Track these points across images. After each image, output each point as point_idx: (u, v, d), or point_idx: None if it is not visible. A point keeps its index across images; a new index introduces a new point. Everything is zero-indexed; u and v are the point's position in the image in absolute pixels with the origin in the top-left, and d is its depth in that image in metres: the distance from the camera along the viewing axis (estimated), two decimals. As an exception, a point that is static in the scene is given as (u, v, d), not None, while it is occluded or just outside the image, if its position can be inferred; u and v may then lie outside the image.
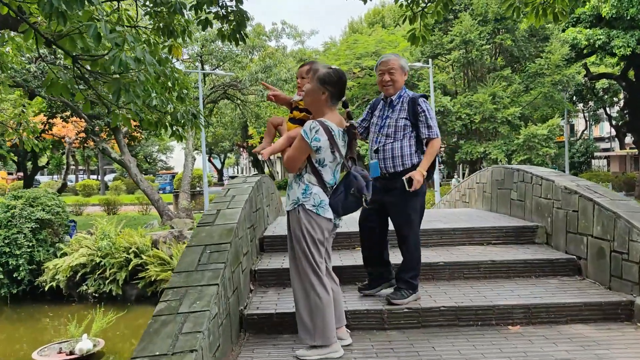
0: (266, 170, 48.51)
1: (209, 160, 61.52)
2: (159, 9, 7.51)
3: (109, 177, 52.63)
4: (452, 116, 17.68)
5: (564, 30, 19.46)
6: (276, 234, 5.32)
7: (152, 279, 12.18)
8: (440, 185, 18.58)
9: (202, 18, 7.32)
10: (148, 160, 57.81)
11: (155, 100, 7.24)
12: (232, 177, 53.35)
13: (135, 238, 12.94)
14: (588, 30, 19.85)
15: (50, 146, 29.71)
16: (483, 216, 6.12)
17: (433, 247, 5.12)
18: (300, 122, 3.42)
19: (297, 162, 3.18)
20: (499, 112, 17.12)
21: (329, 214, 3.18)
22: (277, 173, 48.14)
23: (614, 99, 34.98)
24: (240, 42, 7.47)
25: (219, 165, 62.24)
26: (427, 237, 5.15)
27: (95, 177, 55.28)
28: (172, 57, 9.51)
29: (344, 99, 3.30)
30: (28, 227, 12.96)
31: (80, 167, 57.53)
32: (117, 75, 4.13)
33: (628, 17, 19.25)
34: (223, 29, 7.49)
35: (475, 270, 4.43)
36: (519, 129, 17.64)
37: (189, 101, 8.37)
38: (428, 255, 4.73)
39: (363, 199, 3.20)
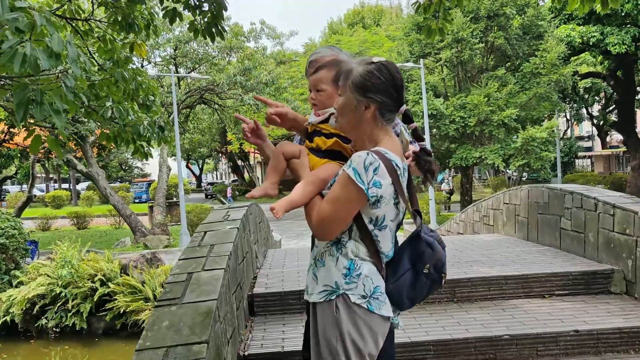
0: (246, 176, 47.02)
1: (187, 167, 59.74)
2: (116, -2, 6.13)
3: (82, 186, 50.36)
4: (446, 119, 16.57)
5: (557, 27, 18.55)
6: (270, 289, 4.00)
7: (122, 310, 10.74)
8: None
9: (168, 8, 5.99)
10: (123, 167, 55.64)
11: (111, 110, 5.89)
12: (211, 184, 51.82)
13: (102, 264, 11.46)
14: (581, 27, 18.97)
15: (19, 155, 27.91)
16: (527, 250, 4.90)
17: (480, 301, 3.88)
18: (330, 155, 2.10)
19: (340, 225, 1.89)
20: (495, 114, 16.07)
21: (388, 310, 1.89)
22: (258, 179, 46.66)
23: (596, 97, 34.48)
24: (217, 38, 6.15)
25: (197, 172, 60.44)
26: (471, 288, 3.91)
27: (67, 186, 52.99)
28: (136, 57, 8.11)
29: (403, 109, 2.00)
30: (-23, 254, 11.38)
31: (51, 176, 55.17)
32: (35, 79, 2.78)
33: (623, 13, 18.44)
34: (196, 22, 6.16)
35: (554, 345, 3.19)
36: (516, 132, 16.62)
37: (157, 109, 7.00)
38: (478, 318, 3.49)
39: (443, 280, 1.95)
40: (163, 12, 6.23)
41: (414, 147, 2.11)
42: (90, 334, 11.15)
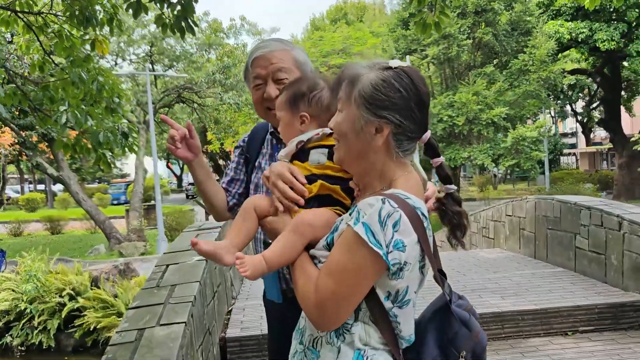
0: (228, 175, 46.03)
1: (168, 167, 58.65)
2: (72, -11, 5.43)
3: (59, 187, 48.89)
4: (433, 118, 16.06)
5: (545, 23, 18.16)
6: (246, 331, 3.38)
7: (92, 326, 10.01)
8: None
9: (132, 0, 5.31)
10: (101, 167, 54.30)
11: (66, 114, 5.20)
12: (192, 184, 50.73)
13: (71, 276, 10.71)
14: (570, 23, 18.62)
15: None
16: (539, 273, 4.35)
17: (493, 340, 3.31)
18: (318, 201, 1.48)
19: (348, 307, 1.30)
20: (484, 112, 15.58)
21: None
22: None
23: (580, 94, 34.44)
24: (188, 33, 5.50)
25: (178, 171, 59.33)
26: (483, 325, 3.33)
27: (43, 187, 51.50)
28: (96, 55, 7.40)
29: (428, 135, 1.40)
30: None
31: (27, 177, 53.65)
32: None
33: (611, 9, 18.13)
34: (163, 16, 5.50)
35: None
36: (505, 131, 16.16)
37: (124, 112, 6.32)
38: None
39: None
40: (126, 4, 5.53)
41: (433, 188, 1.54)
42: (59, 352, 10.41)
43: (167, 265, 3.10)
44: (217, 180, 2.10)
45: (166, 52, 19.18)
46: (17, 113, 14.40)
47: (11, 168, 45.43)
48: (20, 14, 5.62)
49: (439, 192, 1.50)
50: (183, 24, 5.44)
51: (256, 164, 2.05)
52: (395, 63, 1.36)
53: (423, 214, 1.30)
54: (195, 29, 5.49)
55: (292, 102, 1.59)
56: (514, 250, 5.49)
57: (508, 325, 3.38)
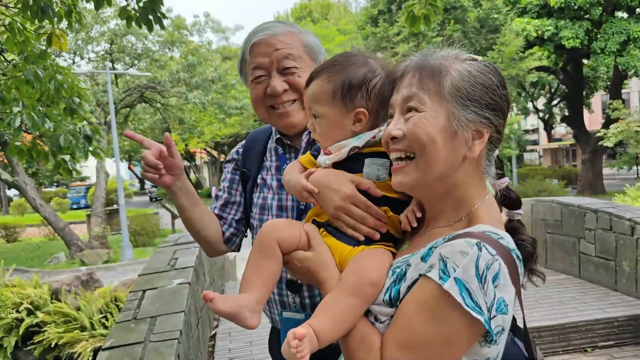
0: (193, 176, 45.12)
1: (130, 169, 57.03)
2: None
3: (14, 192, 46.82)
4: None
5: (512, 20, 18.29)
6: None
7: (53, 342, 9.35)
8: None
9: (93, -11, 4.81)
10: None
11: (21, 116, 4.66)
12: (155, 186, 49.37)
13: (29, 290, 9.95)
14: (536, 20, 18.80)
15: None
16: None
17: (509, 362, 3.01)
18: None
19: None
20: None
21: None
22: (205, 179, 44.94)
23: (542, 91, 35.12)
24: (156, 26, 5.05)
25: (140, 173, 57.80)
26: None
27: (-3, 192, 49.17)
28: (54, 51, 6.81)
29: (497, 153, 1.09)
30: None
31: (-21, 182, 51.16)
32: None
33: (576, 7, 18.38)
34: (129, 7, 5.03)
35: None
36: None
37: (85, 113, 5.80)
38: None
39: None
40: (86, -6, 5.03)
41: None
42: (17, 371, 9.70)
43: (144, 291, 2.68)
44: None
45: (127, 50, 18.40)
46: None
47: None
48: (-36, 5, 5.05)
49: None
50: (150, 16, 4.99)
51: (258, 180, 1.63)
52: (478, 57, 1.04)
53: (518, 257, 0.97)
54: (165, 21, 5.03)
55: (344, 92, 1.16)
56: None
57: (524, 343, 3.10)
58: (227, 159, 1.75)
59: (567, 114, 26.48)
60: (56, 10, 5.03)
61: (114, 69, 18.05)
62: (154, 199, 41.40)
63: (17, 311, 9.62)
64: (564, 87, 25.84)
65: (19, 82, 4.77)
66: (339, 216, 1.11)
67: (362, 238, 1.09)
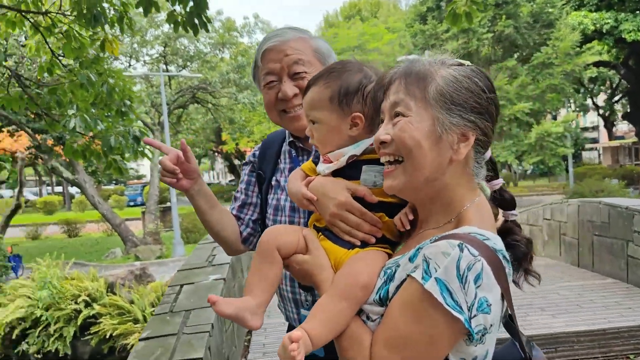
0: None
1: (183, 167, 58.66)
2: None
3: (76, 189, 49.21)
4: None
5: (568, 14, 17.61)
6: (269, 357, 3.06)
7: (108, 333, 9.81)
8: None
9: (141, -4, 5.02)
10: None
11: (75, 119, 4.93)
12: (208, 185, 50.62)
13: (86, 283, 10.53)
14: (594, 13, 18.02)
15: (10, 159, 27.04)
16: (589, 285, 3.97)
17: (546, 367, 2.95)
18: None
19: None
20: (506, 108, 15.09)
21: None
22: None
23: (602, 87, 33.60)
24: (201, 30, 5.22)
25: (193, 171, 59.32)
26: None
27: (61, 189, 51.88)
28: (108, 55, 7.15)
29: (489, 153, 1.11)
30: (-48, 274, 10.45)
31: (45, 179, 54.08)
32: None
33: (637, -1, 17.51)
34: (175, 12, 5.23)
35: None
36: (528, 127, 15.65)
37: (136, 116, 6.06)
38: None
39: None
40: (136, 1, 5.25)
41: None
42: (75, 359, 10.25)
43: (181, 286, 2.80)
44: (232, 180, 1.76)
45: (180, 52, 18.99)
46: (33, 116, 14.31)
47: (29, 171, 45.83)
48: (26, 14, 5.37)
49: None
50: (196, 20, 5.17)
51: (273, 182, 1.67)
52: (464, 62, 1.06)
53: (505, 257, 0.99)
54: (209, 26, 5.19)
55: (341, 98, 1.20)
56: (553, 256, 5.11)
57: (562, 348, 3.01)
58: (245, 161, 1.81)
59: (629, 110, 25.25)
60: (108, 17, 5.30)
61: (167, 70, 18.68)
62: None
63: (76, 302, 10.19)
64: (626, 82, 24.65)
65: (74, 86, 5.04)
66: (335, 223, 1.15)
67: (358, 243, 1.12)
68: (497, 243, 0.98)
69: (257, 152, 1.78)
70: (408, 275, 0.97)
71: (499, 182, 1.14)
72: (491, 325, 0.94)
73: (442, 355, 0.95)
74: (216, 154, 50.53)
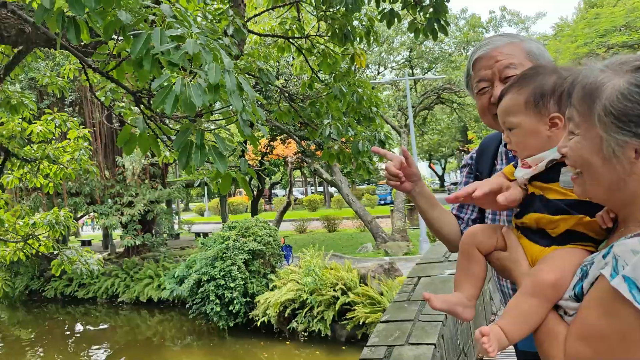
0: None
1: (430, 167, 59.65)
2: (334, 10, 5.86)
3: (335, 189, 54.44)
4: None
5: None
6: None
7: (361, 320, 10.72)
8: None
9: (385, 10, 5.44)
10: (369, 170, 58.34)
11: (329, 128, 5.62)
12: (454, 184, 50.41)
13: (342, 273, 11.69)
14: None
15: (282, 163, 31.64)
16: None
17: None
18: (565, 238, 1.15)
19: None
20: None
21: None
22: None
23: None
24: (440, 34, 5.39)
25: (440, 171, 59.79)
26: None
27: (322, 189, 58.01)
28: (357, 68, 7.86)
29: None
30: (241, 259, 12.78)
31: (309, 180, 61.19)
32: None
33: None
34: (415, 22, 5.51)
35: None
36: None
37: (381, 120, 6.56)
38: None
39: None
40: (380, 15, 5.70)
41: None
42: (334, 341, 11.48)
43: (419, 278, 3.02)
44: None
45: (424, 55, 19.44)
46: (299, 126, 16.50)
47: (296, 173, 52.52)
48: (291, 40, 6.33)
49: None
50: (435, 25, 5.36)
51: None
52: None
53: None
54: (448, 28, 5.33)
55: (537, 100, 1.22)
56: None
57: None
58: (462, 164, 1.90)
59: None
60: (357, 33, 5.88)
61: (412, 74, 19.33)
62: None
63: (334, 290, 11.42)
64: None
65: (329, 97, 5.74)
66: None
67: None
68: None
69: (475, 155, 1.86)
70: (600, 274, 0.98)
71: None
72: None
73: (635, 351, 0.93)
74: (463, 153, 49.88)
